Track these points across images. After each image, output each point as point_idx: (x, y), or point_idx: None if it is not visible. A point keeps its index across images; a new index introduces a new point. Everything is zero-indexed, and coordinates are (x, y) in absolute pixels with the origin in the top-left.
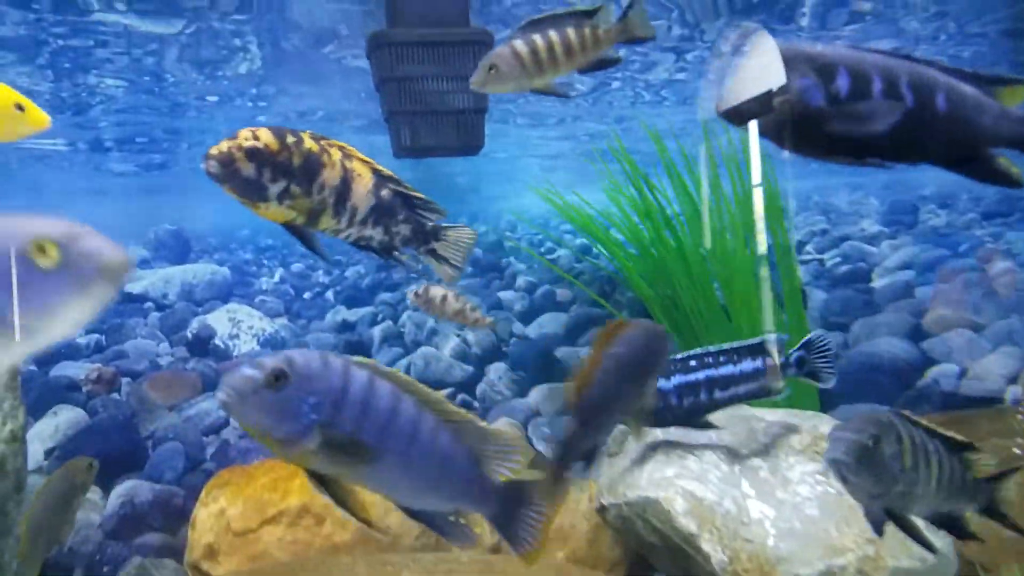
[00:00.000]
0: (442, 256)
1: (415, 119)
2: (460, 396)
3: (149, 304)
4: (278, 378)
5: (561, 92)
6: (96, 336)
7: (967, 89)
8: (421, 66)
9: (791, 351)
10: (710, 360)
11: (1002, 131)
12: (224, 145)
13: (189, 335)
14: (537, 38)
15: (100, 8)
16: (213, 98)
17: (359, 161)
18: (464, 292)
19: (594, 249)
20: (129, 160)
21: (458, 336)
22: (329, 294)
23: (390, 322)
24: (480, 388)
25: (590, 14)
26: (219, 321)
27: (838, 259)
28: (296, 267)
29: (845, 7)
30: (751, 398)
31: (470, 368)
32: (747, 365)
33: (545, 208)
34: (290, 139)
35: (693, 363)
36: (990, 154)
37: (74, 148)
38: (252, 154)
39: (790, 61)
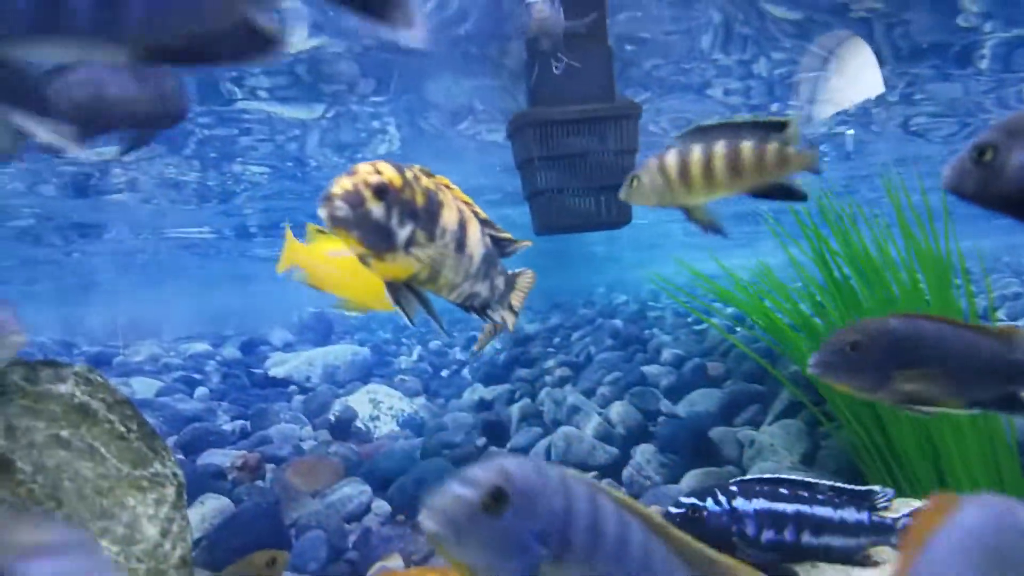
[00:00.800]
0: (512, 306)
1: (559, 197)
2: (605, 480)
3: (293, 387)
4: (497, 499)
5: (715, 226)
6: (241, 422)
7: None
8: (564, 144)
9: (900, 516)
10: (804, 492)
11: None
12: (347, 182)
13: (332, 417)
14: (696, 150)
15: (243, 96)
16: None
17: (462, 199)
18: (604, 365)
19: (749, 320)
20: (274, 245)
21: (600, 415)
22: (466, 371)
23: (528, 400)
24: (626, 472)
25: (779, 127)
26: (360, 402)
27: None
28: (434, 344)
29: None
30: (842, 560)
31: (614, 450)
32: (850, 514)
33: (691, 276)
34: (409, 173)
35: (784, 490)
36: None
37: (220, 235)
38: (381, 191)
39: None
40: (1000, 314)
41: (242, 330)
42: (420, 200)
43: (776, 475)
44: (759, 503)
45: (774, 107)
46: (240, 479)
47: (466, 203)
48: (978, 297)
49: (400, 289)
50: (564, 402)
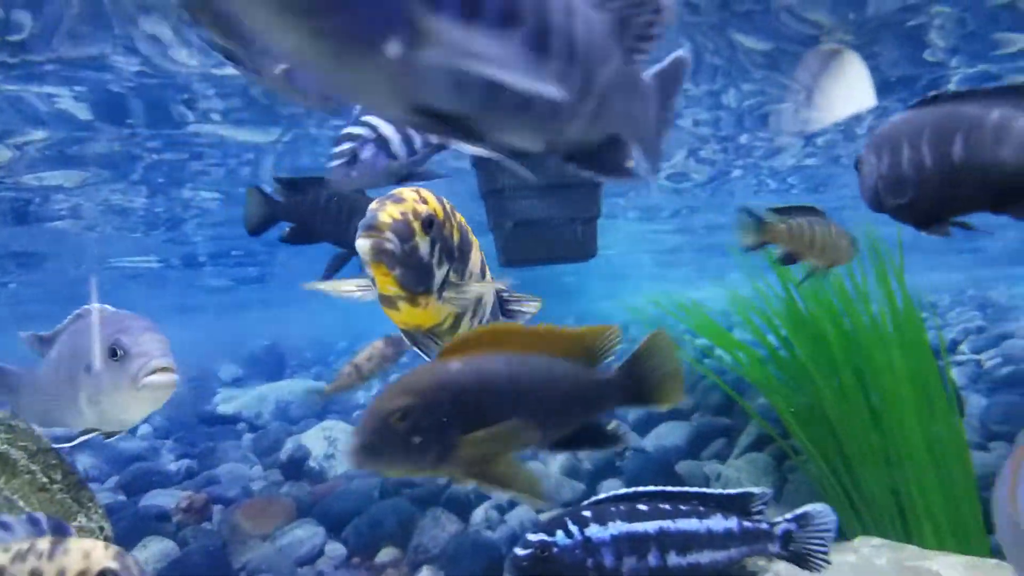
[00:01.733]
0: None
1: (522, 230)
2: None
3: (242, 425)
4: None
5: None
6: (187, 462)
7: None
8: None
9: (779, 520)
10: (666, 506)
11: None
12: (395, 210)
13: (283, 456)
14: None
15: (196, 119)
16: None
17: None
18: None
19: (716, 351)
20: (224, 275)
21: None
22: None
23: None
24: None
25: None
26: (314, 440)
27: (998, 360)
28: (393, 378)
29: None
30: None
31: (581, 486)
32: (717, 523)
33: (660, 309)
34: (447, 204)
35: (643, 507)
36: None
37: (167, 264)
38: (428, 224)
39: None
40: (964, 347)
41: (190, 364)
42: (456, 236)
43: (635, 489)
44: (616, 527)
45: (743, 138)
46: (185, 521)
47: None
48: (944, 330)
49: (420, 339)
50: None
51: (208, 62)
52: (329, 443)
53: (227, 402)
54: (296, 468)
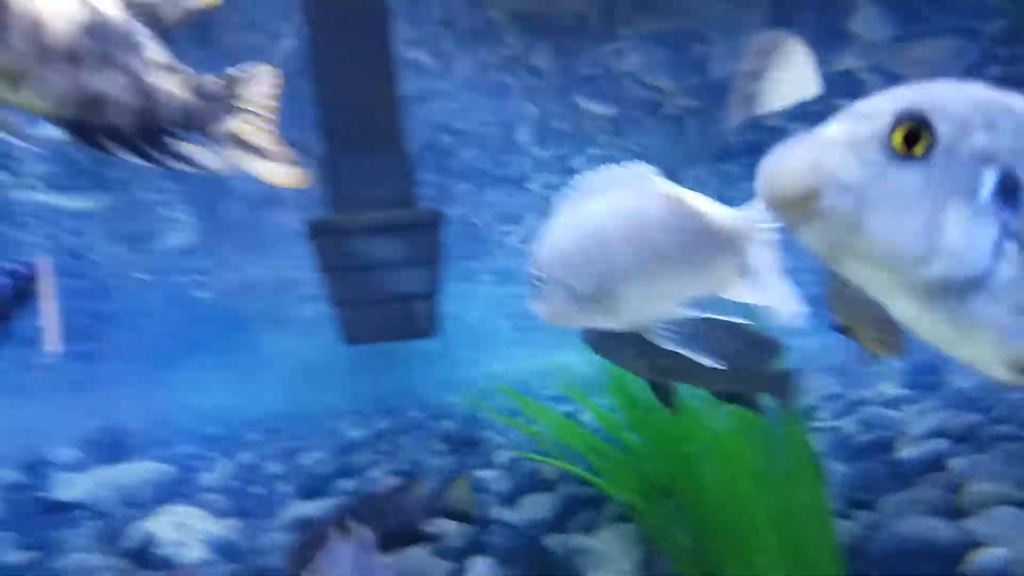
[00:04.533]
0: (253, 146)
1: (362, 307)
2: None
3: (85, 512)
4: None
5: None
6: (31, 554)
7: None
8: (363, 255)
9: None
10: None
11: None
12: None
13: (131, 544)
14: None
15: (15, 186)
16: (145, 276)
17: None
18: (435, 472)
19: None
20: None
21: (431, 525)
22: (281, 485)
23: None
24: None
25: None
26: (161, 526)
27: (858, 426)
28: (245, 457)
29: None
30: None
31: (446, 563)
32: None
33: (525, 370)
34: None
35: None
36: None
37: None
38: None
39: None
40: (823, 413)
41: (22, 449)
42: None
43: None
44: None
45: None
46: None
47: None
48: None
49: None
50: None
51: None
52: (178, 528)
53: (67, 488)
54: (143, 556)
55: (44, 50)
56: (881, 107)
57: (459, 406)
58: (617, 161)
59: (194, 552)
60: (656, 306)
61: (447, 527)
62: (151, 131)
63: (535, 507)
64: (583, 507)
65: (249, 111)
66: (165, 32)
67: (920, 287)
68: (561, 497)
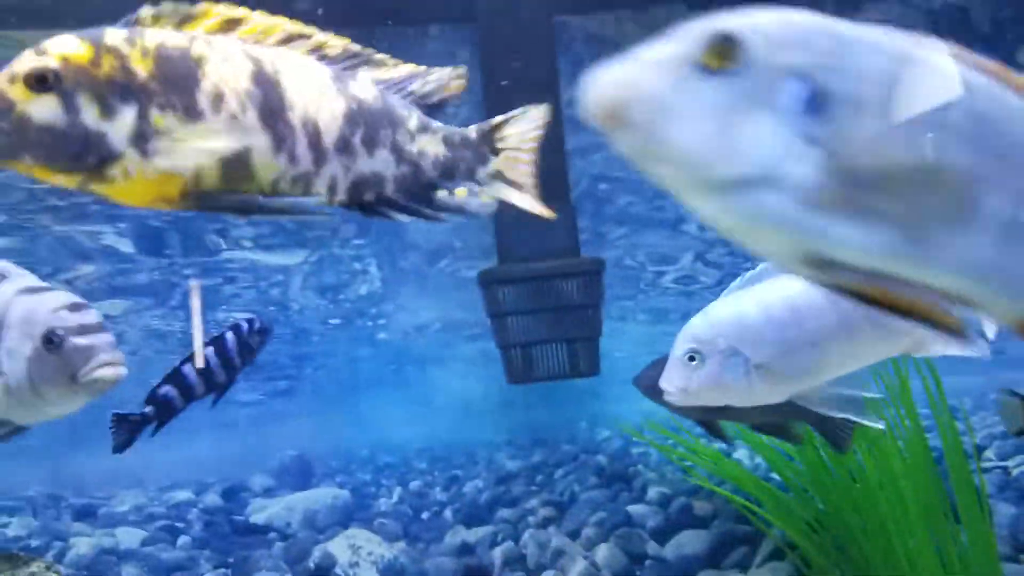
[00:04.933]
0: (513, 182)
1: (527, 350)
2: None
3: (273, 534)
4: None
5: None
6: (223, 571)
7: None
8: (531, 301)
9: None
10: None
11: None
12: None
13: (312, 565)
14: None
15: (228, 247)
16: (335, 321)
17: (282, 34)
18: (589, 505)
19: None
20: (255, 389)
21: (585, 558)
22: (448, 512)
23: (511, 542)
24: None
25: None
26: (340, 548)
27: None
28: (414, 485)
29: None
30: None
31: None
32: None
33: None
34: (115, 37)
35: None
36: None
37: None
38: (40, 80)
39: None
40: (989, 453)
41: (224, 476)
42: (146, 65)
43: None
44: None
45: None
46: None
47: (291, 38)
48: (964, 436)
49: (201, 201)
50: (548, 545)
51: None
52: (353, 551)
53: (259, 512)
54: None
55: (324, 152)
56: (697, 28)
57: (611, 441)
58: None
59: (366, 573)
60: (832, 374)
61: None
62: (418, 192)
63: (689, 543)
64: (738, 544)
65: (511, 149)
66: (420, 103)
67: (716, 185)
68: (715, 534)
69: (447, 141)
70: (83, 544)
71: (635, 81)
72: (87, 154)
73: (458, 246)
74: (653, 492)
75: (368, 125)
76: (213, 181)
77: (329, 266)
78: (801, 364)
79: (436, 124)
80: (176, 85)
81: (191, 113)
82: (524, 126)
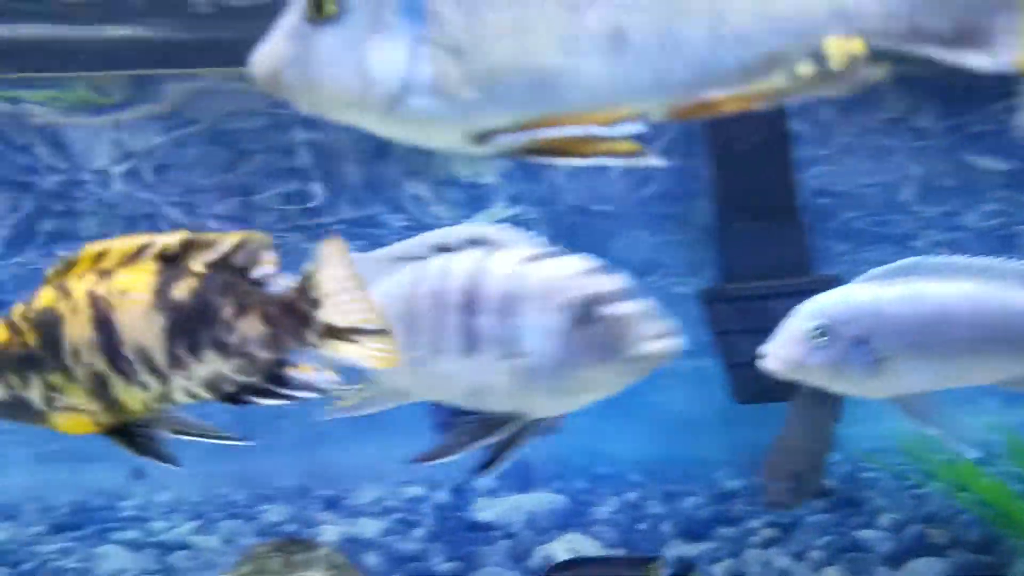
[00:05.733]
0: (348, 329)
1: (755, 369)
2: None
3: (498, 532)
4: None
5: None
6: (453, 564)
7: None
8: (760, 319)
9: None
10: None
11: None
12: None
13: (534, 565)
14: None
15: None
16: None
17: (132, 262)
18: (815, 528)
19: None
20: None
21: None
22: (665, 525)
23: (731, 560)
24: None
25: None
26: (560, 552)
27: None
28: (631, 495)
29: None
30: None
31: None
32: None
33: (905, 431)
34: (16, 313)
35: None
36: None
37: None
38: None
39: None
40: None
41: (451, 475)
42: (32, 338)
43: None
44: None
45: None
46: None
47: (140, 251)
48: None
49: (121, 435)
50: (771, 565)
51: (459, 213)
52: (572, 554)
53: (484, 510)
54: None
55: (162, 371)
56: None
57: (840, 465)
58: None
59: None
60: (945, 385)
61: None
62: (272, 374)
63: (924, 572)
64: (975, 574)
65: (331, 294)
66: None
67: (374, 110)
68: (952, 564)
69: (265, 317)
70: (330, 532)
71: (275, 51)
72: (26, 417)
73: (667, 262)
74: (885, 518)
75: (186, 333)
76: (110, 418)
77: None
78: (926, 368)
79: (255, 298)
80: (53, 349)
81: (67, 372)
82: (334, 263)
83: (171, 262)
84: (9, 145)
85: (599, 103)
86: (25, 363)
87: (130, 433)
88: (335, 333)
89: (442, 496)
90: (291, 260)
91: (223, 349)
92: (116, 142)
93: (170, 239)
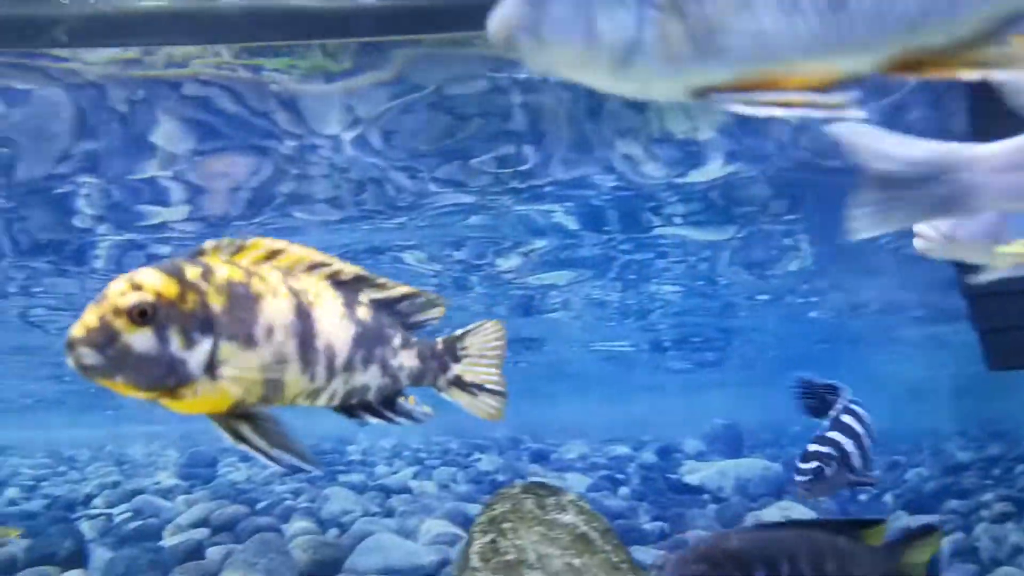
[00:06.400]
0: (472, 384)
1: (1017, 334)
2: None
3: (706, 496)
4: None
5: None
6: (660, 524)
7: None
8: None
9: None
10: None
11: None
12: (91, 317)
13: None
14: None
15: (660, 223)
16: (764, 297)
17: (307, 272)
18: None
19: None
20: (685, 359)
21: None
22: (888, 497)
23: (961, 534)
24: None
25: None
26: (773, 517)
27: (128, 514)
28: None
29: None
30: None
31: None
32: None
33: None
34: (194, 270)
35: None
36: None
37: (637, 348)
38: (141, 313)
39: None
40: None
41: (658, 437)
42: (219, 301)
43: None
44: None
45: None
46: None
47: (315, 265)
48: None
49: (230, 423)
50: (1005, 541)
51: (672, 172)
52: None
53: (692, 473)
54: None
55: (335, 371)
56: None
57: None
58: None
59: None
60: None
61: None
62: (390, 398)
63: None
64: None
65: (472, 356)
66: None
67: (602, 69)
68: None
69: (420, 355)
70: None
71: (510, 13)
72: (169, 378)
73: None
74: None
75: (367, 346)
76: (255, 398)
77: (758, 241)
78: None
79: (413, 339)
80: (240, 319)
81: (249, 343)
82: (482, 337)
83: (342, 286)
84: (252, 111)
85: (816, 60)
86: (200, 323)
87: (252, 419)
88: (461, 384)
89: (648, 456)
90: (504, 226)
91: (385, 368)
92: (347, 108)
93: (345, 267)
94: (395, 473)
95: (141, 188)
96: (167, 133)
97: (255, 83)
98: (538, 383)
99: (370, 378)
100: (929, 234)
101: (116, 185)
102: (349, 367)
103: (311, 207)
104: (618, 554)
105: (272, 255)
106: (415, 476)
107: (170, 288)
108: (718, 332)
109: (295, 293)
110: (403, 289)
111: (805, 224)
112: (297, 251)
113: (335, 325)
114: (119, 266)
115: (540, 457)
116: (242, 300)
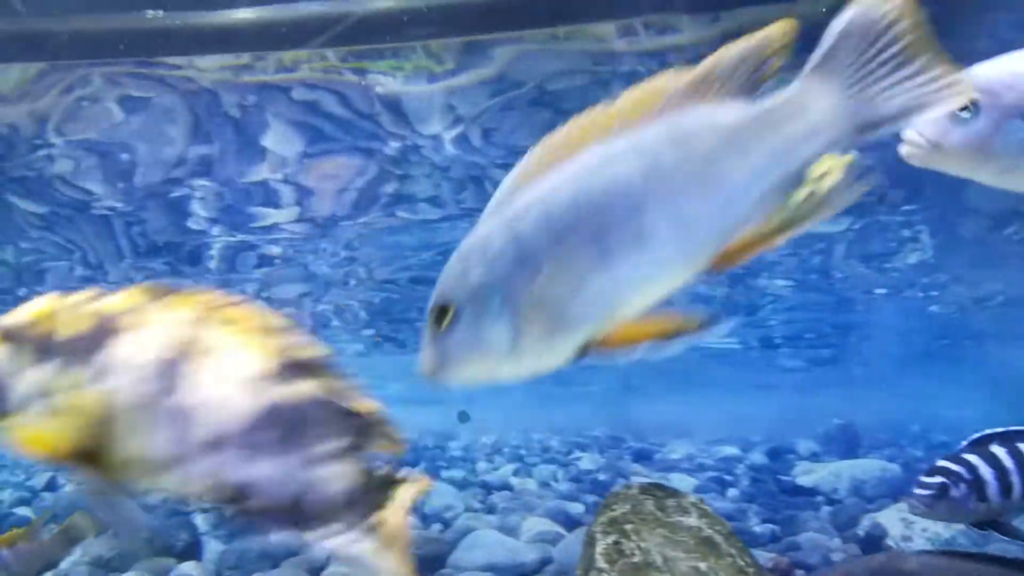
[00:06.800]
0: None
1: None
2: None
3: (820, 498)
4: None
5: None
6: (771, 526)
7: None
8: None
9: None
10: None
11: None
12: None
13: (860, 532)
14: None
15: None
16: (881, 291)
17: (258, 334)
18: None
19: None
20: (798, 356)
21: None
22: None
23: None
24: None
25: None
26: (890, 520)
27: None
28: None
29: (254, 250)
30: None
31: None
32: None
33: None
34: (72, 299)
35: None
36: None
37: (746, 346)
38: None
39: None
40: None
41: (768, 437)
42: (81, 326)
43: None
44: None
45: None
46: None
47: (270, 332)
48: None
49: (88, 476)
50: None
51: None
52: (906, 525)
53: (805, 475)
54: (874, 546)
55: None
56: None
57: None
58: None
59: (919, 547)
60: None
61: None
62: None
63: None
64: None
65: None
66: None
67: (503, 367)
68: None
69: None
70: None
71: (430, 361)
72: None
73: None
74: None
75: (275, 424)
76: (90, 443)
77: (875, 233)
78: None
79: (362, 454)
80: (85, 348)
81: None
82: (411, 492)
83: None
84: (357, 114)
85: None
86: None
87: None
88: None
89: (757, 457)
90: None
91: (290, 473)
92: (448, 107)
93: (311, 350)
94: (496, 470)
95: (253, 191)
96: (277, 136)
97: (361, 86)
98: (639, 381)
99: (259, 472)
100: (915, 139)
101: (229, 188)
102: (218, 447)
103: (413, 206)
104: (743, 558)
105: (215, 309)
106: (515, 473)
107: (30, 313)
108: (833, 328)
109: (185, 341)
110: (364, 406)
111: (924, 214)
112: (253, 313)
113: (227, 388)
114: (232, 266)
115: (643, 456)
116: (98, 331)
